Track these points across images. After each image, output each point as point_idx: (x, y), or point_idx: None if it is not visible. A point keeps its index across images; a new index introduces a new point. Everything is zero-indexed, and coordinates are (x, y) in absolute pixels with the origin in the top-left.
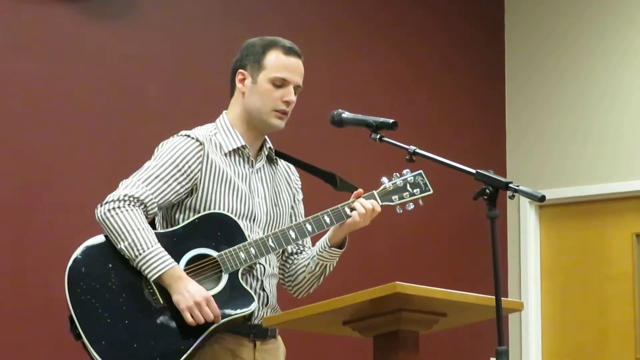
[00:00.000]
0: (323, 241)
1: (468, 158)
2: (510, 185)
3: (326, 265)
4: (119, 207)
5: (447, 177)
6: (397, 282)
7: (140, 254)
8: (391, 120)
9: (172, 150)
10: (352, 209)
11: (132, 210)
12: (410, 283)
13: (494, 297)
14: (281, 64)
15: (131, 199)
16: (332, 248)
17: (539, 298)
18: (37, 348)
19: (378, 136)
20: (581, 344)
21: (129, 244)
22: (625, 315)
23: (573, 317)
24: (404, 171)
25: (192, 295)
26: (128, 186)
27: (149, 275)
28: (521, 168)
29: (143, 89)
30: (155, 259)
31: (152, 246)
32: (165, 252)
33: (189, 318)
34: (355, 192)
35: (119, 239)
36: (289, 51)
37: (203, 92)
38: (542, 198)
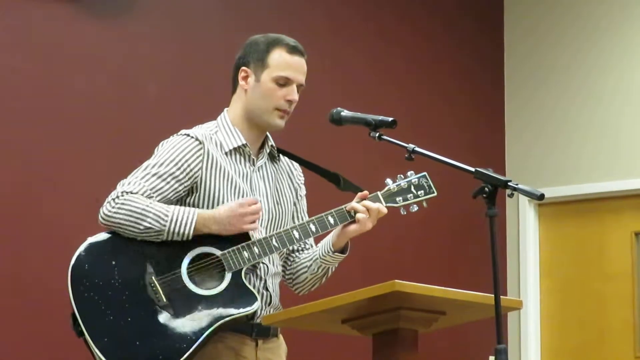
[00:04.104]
0: (326, 246)
1: (467, 156)
2: (509, 183)
3: (329, 267)
4: (121, 201)
5: (446, 176)
6: (395, 280)
7: (167, 220)
8: (390, 119)
9: (171, 149)
10: (355, 212)
11: (133, 196)
12: (409, 281)
13: (493, 295)
14: (285, 62)
15: (129, 194)
16: (336, 253)
17: (538, 296)
18: (39, 346)
19: (377, 134)
20: (580, 342)
21: (152, 218)
22: (624, 313)
23: (572, 316)
24: (408, 172)
25: (231, 217)
26: (125, 184)
27: (185, 233)
28: (520, 166)
29: (143, 87)
30: (181, 216)
31: (170, 208)
32: (182, 207)
33: (251, 228)
34: (360, 194)
35: (139, 221)
36: (293, 50)
37: (203, 91)
38: (542, 196)
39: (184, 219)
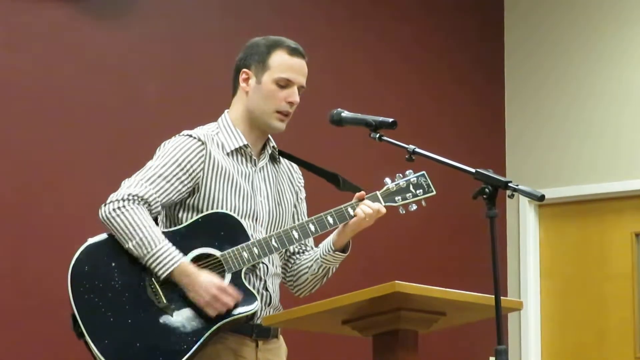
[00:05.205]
0: (327, 245)
1: (467, 157)
2: (509, 184)
3: (329, 268)
4: (123, 207)
5: (447, 176)
6: (396, 281)
7: (149, 252)
8: (391, 120)
9: (174, 150)
10: (354, 209)
11: (137, 208)
12: (410, 282)
13: (493, 296)
14: (286, 64)
15: (135, 197)
16: (336, 252)
17: (539, 297)
18: (39, 347)
19: (377, 135)
20: (580, 343)
21: (137, 242)
22: (624, 314)
23: (572, 316)
24: (407, 172)
25: (207, 290)
26: (131, 185)
27: (159, 273)
28: (520, 167)
29: (143, 88)
30: (164, 256)
31: (160, 243)
32: (174, 249)
33: (211, 313)
34: (357, 194)
35: (127, 238)
36: (293, 52)
37: (203, 92)
38: (542, 197)
39: (164, 262)
